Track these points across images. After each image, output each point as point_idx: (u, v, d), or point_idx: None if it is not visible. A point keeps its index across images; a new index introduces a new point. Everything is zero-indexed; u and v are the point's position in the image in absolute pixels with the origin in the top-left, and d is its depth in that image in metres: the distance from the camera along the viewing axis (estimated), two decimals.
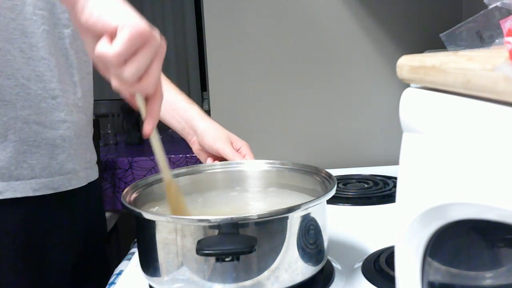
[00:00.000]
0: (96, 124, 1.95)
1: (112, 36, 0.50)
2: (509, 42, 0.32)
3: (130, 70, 0.51)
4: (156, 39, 0.52)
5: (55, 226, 0.83)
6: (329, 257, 0.70)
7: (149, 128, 0.58)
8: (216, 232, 0.54)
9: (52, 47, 0.80)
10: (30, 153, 0.78)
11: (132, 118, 2.41)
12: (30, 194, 0.78)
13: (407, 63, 0.41)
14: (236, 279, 0.56)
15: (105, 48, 0.50)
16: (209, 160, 0.85)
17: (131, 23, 0.50)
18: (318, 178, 0.71)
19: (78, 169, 0.85)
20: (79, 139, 0.86)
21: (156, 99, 0.57)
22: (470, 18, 0.42)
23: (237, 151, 0.83)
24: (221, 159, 0.83)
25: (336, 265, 0.70)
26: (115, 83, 0.53)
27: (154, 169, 2.07)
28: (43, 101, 0.79)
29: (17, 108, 0.76)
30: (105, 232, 1.05)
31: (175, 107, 0.88)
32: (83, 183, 0.87)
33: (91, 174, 0.91)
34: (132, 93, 0.56)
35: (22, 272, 0.79)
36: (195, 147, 0.88)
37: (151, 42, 0.51)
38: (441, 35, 0.44)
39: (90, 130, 0.93)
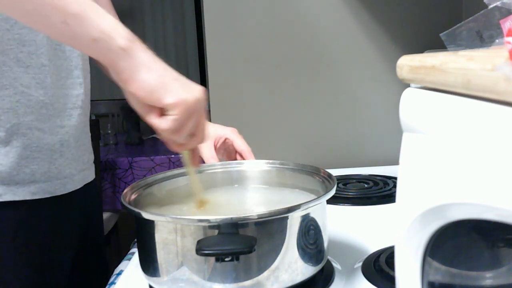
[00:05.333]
0: (96, 124, 1.94)
1: (162, 109, 0.56)
2: (509, 42, 0.32)
3: (181, 137, 0.58)
4: (200, 105, 0.58)
5: (53, 226, 0.83)
6: (329, 257, 0.70)
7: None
8: (216, 232, 0.54)
9: (51, 53, 0.79)
10: (32, 158, 0.78)
11: (132, 118, 2.40)
12: (28, 197, 0.78)
13: (407, 63, 0.41)
14: (236, 279, 0.56)
15: (157, 122, 0.57)
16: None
17: (181, 101, 0.55)
18: (318, 178, 0.71)
19: (74, 172, 0.86)
20: (77, 142, 0.86)
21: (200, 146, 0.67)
22: (470, 18, 0.41)
23: (224, 140, 0.86)
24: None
25: (336, 265, 0.70)
26: (172, 147, 0.61)
27: (154, 169, 2.06)
28: (44, 108, 0.79)
29: (20, 115, 0.76)
30: (102, 231, 1.05)
31: None
32: (78, 186, 0.87)
33: (88, 175, 0.92)
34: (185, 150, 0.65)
35: (22, 271, 0.79)
36: None
37: (197, 111, 0.57)
38: (441, 35, 0.44)
39: (87, 131, 0.93)
